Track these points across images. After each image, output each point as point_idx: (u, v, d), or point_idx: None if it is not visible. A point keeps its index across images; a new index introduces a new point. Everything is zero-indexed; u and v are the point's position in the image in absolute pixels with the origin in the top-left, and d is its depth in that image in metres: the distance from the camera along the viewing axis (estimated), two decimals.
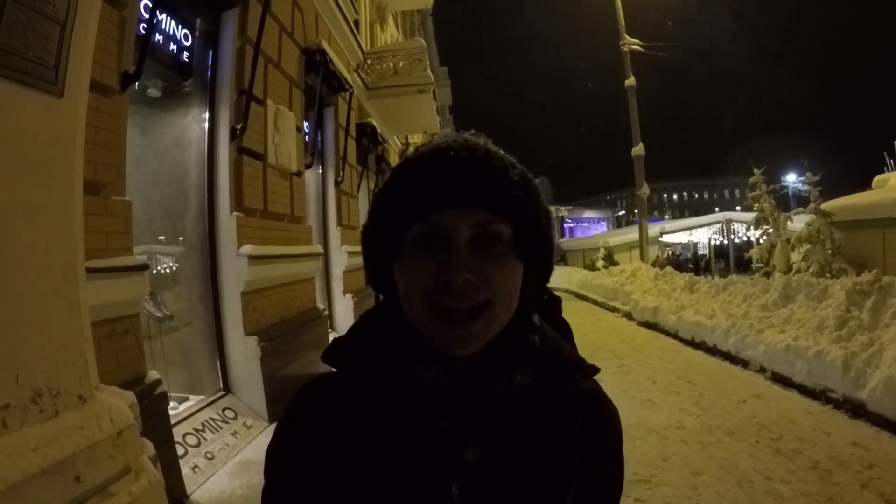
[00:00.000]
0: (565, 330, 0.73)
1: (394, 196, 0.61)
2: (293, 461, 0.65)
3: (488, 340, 0.61)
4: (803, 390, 5.83)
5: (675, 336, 9.62)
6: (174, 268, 4.30)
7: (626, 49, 17.46)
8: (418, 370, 0.62)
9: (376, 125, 9.69)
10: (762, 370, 6.70)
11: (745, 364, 7.14)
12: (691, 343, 8.95)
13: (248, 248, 4.30)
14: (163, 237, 4.28)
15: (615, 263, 21.96)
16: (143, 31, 3.03)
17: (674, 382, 6.60)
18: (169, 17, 3.81)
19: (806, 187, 12.95)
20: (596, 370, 0.68)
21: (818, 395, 5.56)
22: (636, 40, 17.47)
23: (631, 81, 17.56)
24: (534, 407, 0.64)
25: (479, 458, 0.61)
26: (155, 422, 2.70)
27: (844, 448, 4.29)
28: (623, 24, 17.48)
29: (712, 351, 8.19)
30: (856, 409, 5.01)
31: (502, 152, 0.64)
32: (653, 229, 23.95)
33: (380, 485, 0.60)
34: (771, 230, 13.80)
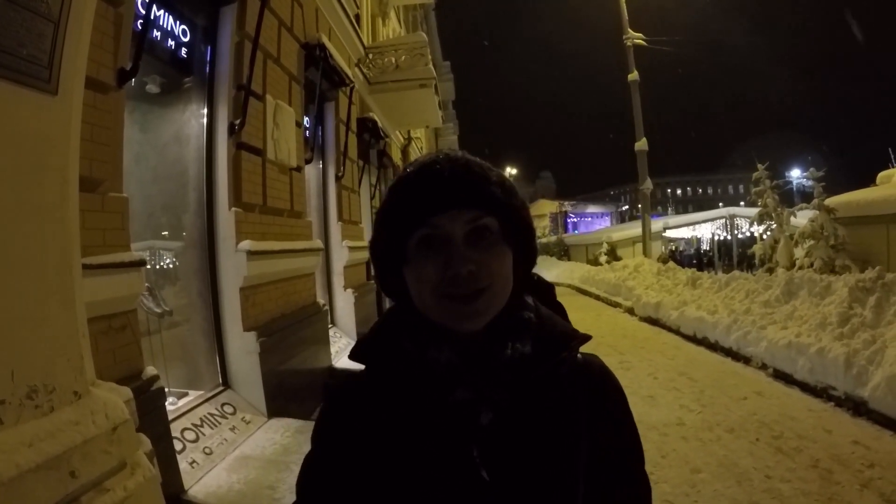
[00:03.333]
0: (560, 311, 0.82)
1: (394, 209, 0.72)
2: (335, 438, 0.76)
3: (490, 319, 0.71)
4: (805, 387, 5.82)
5: (676, 332, 9.63)
6: (173, 263, 4.32)
7: (629, 43, 17.38)
8: (432, 355, 0.72)
9: (378, 120, 9.67)
10: (764, 367, 6.70)
11: (746, 361, 7.13)
12: (693, 339, 8.95)
13: (246, 244, 4.31)
14: (162, 233, 4.29)
15: (618, 258, 21.92)
16: (140, 28, 3.02)
17: (675, 378, 6.61)
18: (166, 14, 3.80)
19: (810, 183, 12.87)
20: (588, 337, 0.77)
21: (820, 392, 5.56)
22: (639, 34, 17.38)
23: (634, 76, 17.48)
24: (537, 373, 0.73)
25: (493, 421, 0.70)
26: (152, 417, 2.72)
27: (845, 446, 4.28)
28: (626, 18, 17.38)
29: (714, 347, 8.19)
30: (857, 408, 4.99)
31: (479, 159, 0.74)
32: (656, 224, 23.87)
33: (408, 456, 0.70)
34: (774, 226, 13.72)
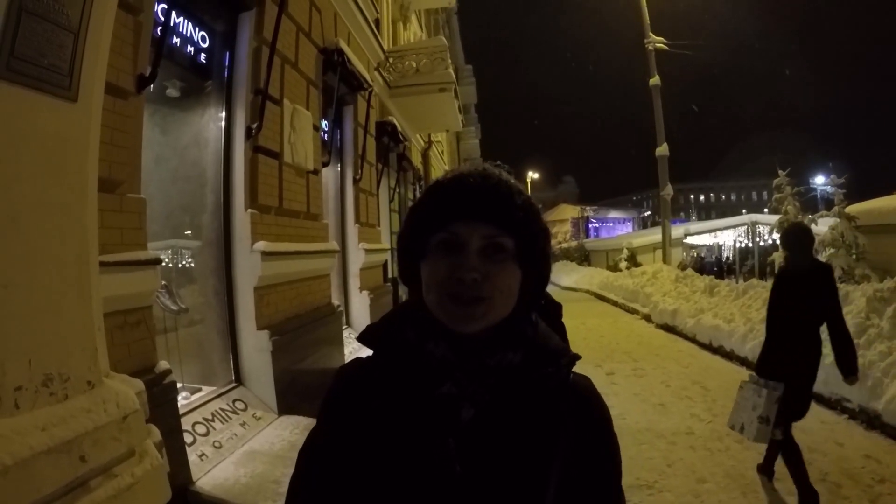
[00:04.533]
0: (562, 331, 0.87)
1: (423, 210, 0.80)
2: (334, 415, 0.82)
3: (489, 327, 0.76)
4: (819, 399, 5.59)
5: (692, 340, 9.52)
6: (190, 263, 4.45)
7: (650, 47, 17.22)
8: (430, 348, 0.78)
9: (397, 124, 9.76)
10: None
11: None
12: (708, 347, 8.84)
13: (261, 245, 4.41)
14: (180, 232, 4.43)
15: (638, 264, 21.67)
16: (159, 35, 3.15)
17: (687, 387, 6.52)
18: (186, 20, 3.94)
19: (833, 189, 12.60)
20: (578, 357, 0.83)
21: (833, 404, 5.45)
22: (661, 38, 17.21)
23: (655, 80, 17.31)
24: (521, 382, 0.78)
25: (473, 418, 0.75)
26: (163, 409, 2.83)
27: (856, 460, 4.18)
28: (648, 21, 17.22)
29: (729, 356, 8.08)
30: (871, 421, 4.89)
31: (513, 181, 0.81)
32: (677, 231, 23.53)
33: (392, 437, 0.75)
34: None
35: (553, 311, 0.88)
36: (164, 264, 3.53)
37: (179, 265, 4.38)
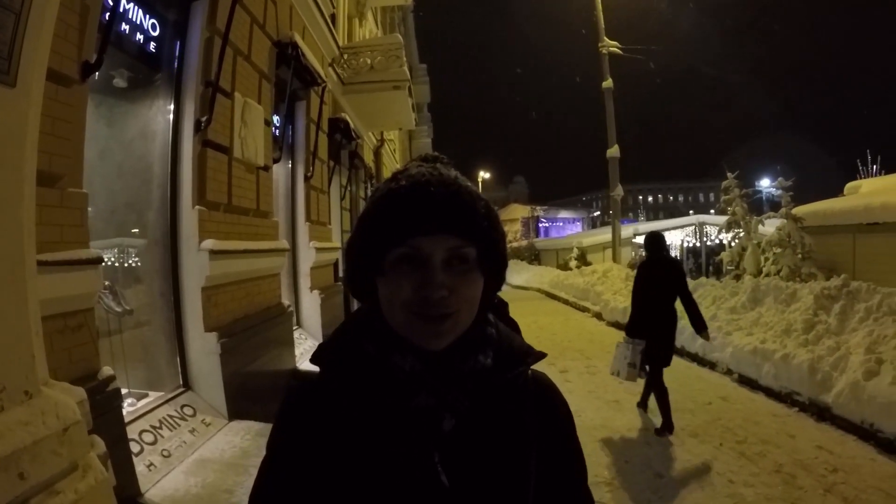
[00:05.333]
0: (515, 327, 0.86)
1: (379, 221, 0.72)
2: (289, 450, 0.75)
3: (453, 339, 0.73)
4: (769, 393, 5.92)
5: None
6: (135, 262, 4.23)
7: (604, 51, 17.64)
8: (396, 360, 0.73)
9: (350, 120, 9.63)
10: (729, 372, 6.81)
11: (712, 366, 7.24)
12: None
13: (209, 243, 4.24)
14: (125, 230, 4.20)
15: (588, 263, 22.20)
16: (107, 21, 2.96)
17: (641, 383, 6.63)
18: (135, 7, 3.72)
19: (779, 192, 13.19)
20: (543, 355, 0.81)
21: (784, 398, 5.66)
22: (615, 43, 17.66)
23: (608, 83, 17.75)
24: (495, 385, 0.76)
25: (454, 428, 0.72)
26: (108, 418, 2.66)
27: (809, 451, 4.35)
28: (603, 26, 17.65)
29: (680, 352, 8.17)
30: (821, 413, 5.09)
31: (470, 185, 0.76)
32: (626, 230, 24.20)
33: (369, 461, 0.70)
34: (742, 234, 14.02)
35: (500, 308, 0.86)
36: (107, 263, 3.33)
37: (124, 264, 4.14)
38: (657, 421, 5.00)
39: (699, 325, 5.05)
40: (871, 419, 4.51)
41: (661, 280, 5.02)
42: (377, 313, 0.76)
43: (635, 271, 5.53)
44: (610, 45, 17.54)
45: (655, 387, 4.99)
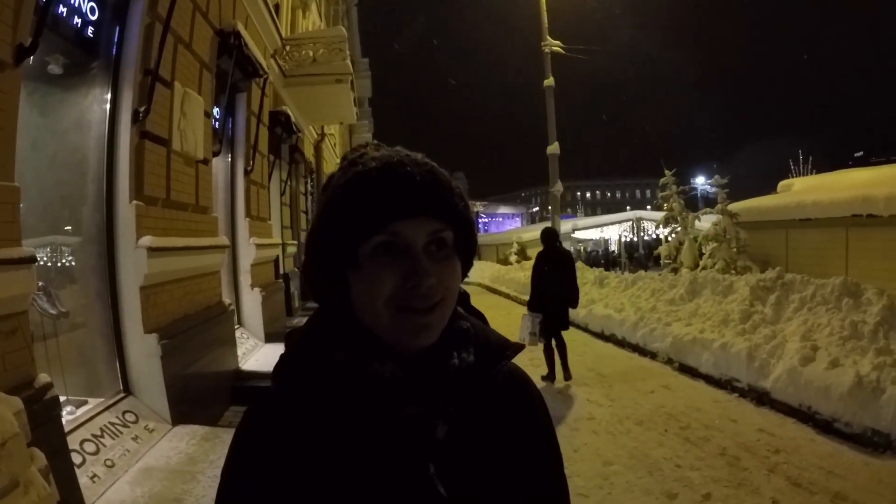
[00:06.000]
0: (481, 317, 0.82)
1: (350, 207, 0.65)
2: (254, 483, 0.66)
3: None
4: (710, 380, 6.17)
5: (585, 329, 9.97)
6: (70, 260, 3.96)
7: (546, 50, 18.00)
8: (375, 369, 0.66)
9: (291, 114, 9.39)
10: (670, 362, 7.07)
11: (653, 356, 7.50)
12: (601, 336, 9.32)
13: (147, 240, 4.04)
14: (59, 227, 3.91)
15: (528, 258, 22.68)
16: (44, 2, 2.74)
17: (584, 374, 6.84)
18: None
19: (714, 189, 13.91)
20: (521, 347, 0.78)
21: (724, 384, 5.93)
22: (557, 42, 18.05)
23: (549, 82, 18.12)
24: (480, 383, 0.72)
25: (447, 435, 0.67)
26: (47, 429, 2.49)
27: (751, 434, 4.57)
28: (546, 25, 18.00)
29: (622, 343, 8.56)
30: (760, 398, 5.37)
31: (437, 165, 0.71)
32: (566, 226, 24.91)
33: (356, 484, 0.63)
34: (679, 229, 14.67)
35: (463, 299, 0.79)
36: (40, 263, 3.10)
37: (58, 264, 3.86)
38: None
39: (573, 303, 6.57)
40: (808, 402, 4.82)
41: (554, 266, 6.43)
42: (345, 316, 0.69)
43: (534, 259, 6.93)
44: (552, 45, 17.94)
45: (559, 345, 6.50)
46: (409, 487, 0.64)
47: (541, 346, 6.50)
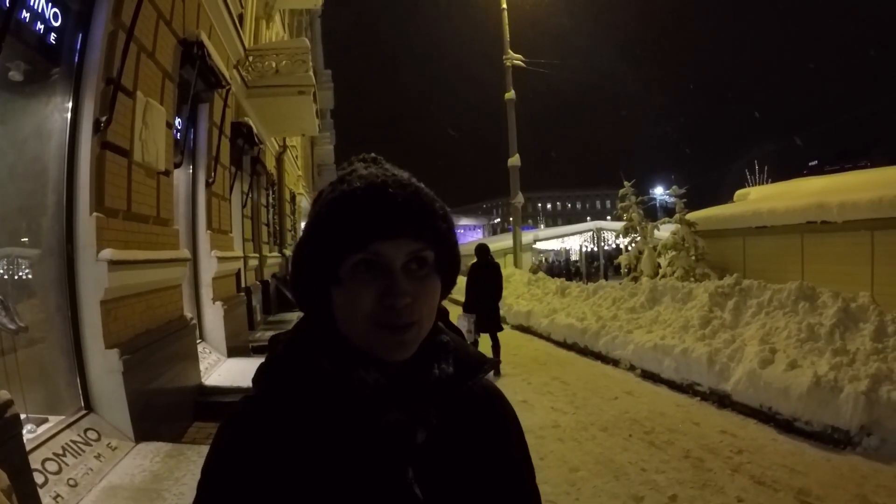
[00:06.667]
0: (459, 333, 0.85)
1: (334, 225, 0.68)
2: (236, 486, 0.67)
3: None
4: (672, 385, 6.30)
5: (547, 338, 10.10)
6: (28, 273, 3.81)
7: (508, 63, 18.37)
8: (359, 376, 0.69)
9: (253, 125, 9.29)
10: (632, 368, 7.20)
11: (615, 363, 7.62)
12: (564, 345, 9.43)
13: (107, 253, 3.93)
14: (16, 238, 3.77)
15: None
16: (7, 6, 2.67)
17: (548, 383, 6.91)
18: None
19: (672, 199, 14.30)
20: (497, 362, 0.84)
21: (686, 389, 6.06)
22: (519, 56, 18.45)
23: (511, 95, 18.48)
24: (458, 394, 0.75)
25: (426, 441, 0.70)
26: (8, 448, 2.40)
27: (714, 436, 4.67)
28: (508, 39, 18.39)
29: (584, 352, 8.67)
30: (722, 400, 5.51)
31: (424, 186, 0.73)
32: (527, 237, 25.14)
33: (336, 486, 0.66)
34: (639, 238, 14.99)
35: (442, 315, 0.82)
36: None
37: (14, 276, 3.71)
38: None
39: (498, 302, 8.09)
40: (768, 403, 4.99)
41: (485, 276, 7.81)
42: (330, 325, 0.72)
43: (468, 269, 8.10)
44: (514, 58, 18.33)
45: (494, 344, 7.78)
46: (388, 489, 0.67)
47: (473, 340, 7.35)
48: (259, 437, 0.68)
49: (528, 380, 7.20)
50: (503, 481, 0.80)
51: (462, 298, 7.83)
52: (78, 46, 3.90)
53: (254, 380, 0.73)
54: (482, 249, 8.08)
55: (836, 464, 4.08)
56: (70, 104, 3.88)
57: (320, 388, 0.69)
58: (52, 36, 3.62)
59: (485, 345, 7.54)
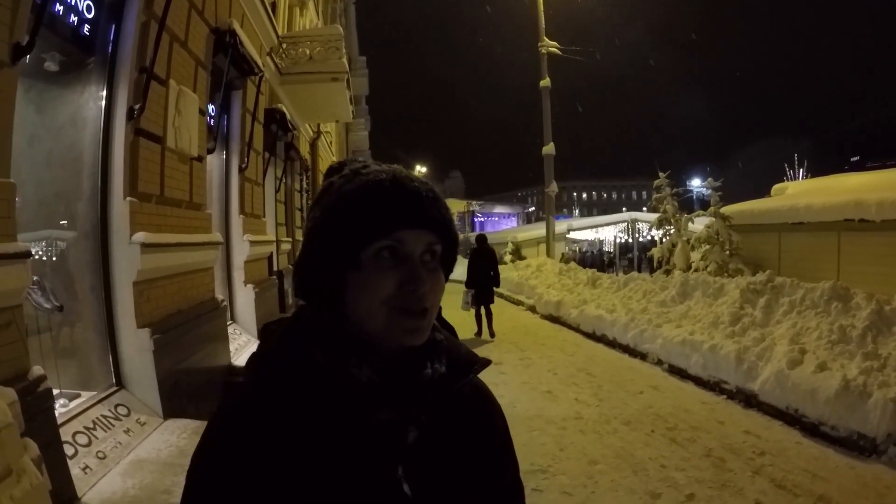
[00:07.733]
0: (452, 330, 0.87)
1: (361, 211, 0.70)
2: (225, 479, 0.67)
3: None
4: (698, 382, 6.18)
5: (576, 329, 10.04)
6: (65, 255, 4.01)
7: (543, 51, 18.10)
8: (352, 372, 0.70)
9: (287, 112, 9.42)
10: (659, 363, 7.10)
11: (643, 357, 7.53)
12: (592, 336, 9.36)
13: (140, 236, 4.09)
14: (54, 222, 3.97)
15: (522, 258, 22.73)
16: (41, 1, 2.79)
17: (574, 374, 6.87)
18: None
19: (708, 191, 13.96)
20: (488, 362, 0.83)
21: (712, 386, 5.94)
22: (554, 43, 18.15)
23: (546, 82, 18.22)
24: (449, 393, 0.77)
25: (417, 440, 0.71)
26: (40, 420, 2.55)
27: (737, 436, 4.57)
28: (543, 26, 18.09)
29: (612, 344, 8.59)
30: (748, 400, 5.39)
31: None
32: (560, 226, 24.91)
33: (326, 481, 0.66)
34: (673, 231, 14.69)
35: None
36: (35, 257, 3.14)
37: (52, 258, 3.91)
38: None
39: (496, 283, 10.18)
40: (795, 405, 4.85)
41: (483, 259, 9.99)
42: (327, 319, 0.73)
43: (469, 253, 10.35)
44: (549, 45, 18.02)
45: (487, 313, 9.86)
46: (378, 486, 0.68)
47: (473, 311, 9.86)
48: (250, 432, 0.68)
49: (554, 371, 7.16)
50: (489, 478, 0.82)
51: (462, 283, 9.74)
52: (111, 37, 4.04)
53: (245, 367, 0.75)
54: (481, 238, 10.35)
55: (859, 472, 3.95)
56: (104, 93, 4.03)
57: (312, 383, 0.69)
58: (86, 27, 3.76)
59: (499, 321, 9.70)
